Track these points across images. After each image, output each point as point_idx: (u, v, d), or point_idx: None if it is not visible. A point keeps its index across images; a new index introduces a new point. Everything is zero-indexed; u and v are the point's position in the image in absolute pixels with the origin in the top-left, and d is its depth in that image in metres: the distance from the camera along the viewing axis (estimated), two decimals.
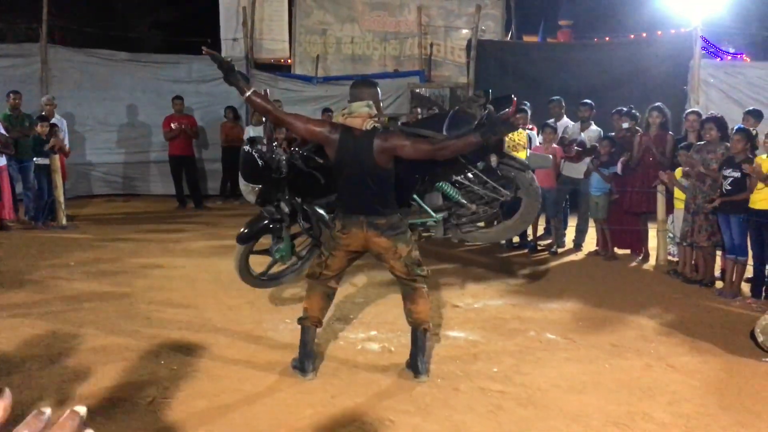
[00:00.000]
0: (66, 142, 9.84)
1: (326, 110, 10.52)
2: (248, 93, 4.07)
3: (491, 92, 4.96)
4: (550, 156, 6.64)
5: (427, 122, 5.74)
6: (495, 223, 5.54)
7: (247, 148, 4.77)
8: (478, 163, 4.98)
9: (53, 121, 9.61)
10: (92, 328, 4.87)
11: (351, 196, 4.05)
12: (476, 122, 4.63)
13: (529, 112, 8.83)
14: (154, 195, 12.58)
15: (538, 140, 8.63)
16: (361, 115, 3.94)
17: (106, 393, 3.77)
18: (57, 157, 9.07)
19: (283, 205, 4.85)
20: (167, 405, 3.65)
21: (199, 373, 4.13)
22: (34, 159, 9.07)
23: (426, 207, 5.11)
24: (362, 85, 4.19)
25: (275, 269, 5.43)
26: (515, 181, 5.18)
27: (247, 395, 3.83)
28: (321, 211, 4.81)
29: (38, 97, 10.71)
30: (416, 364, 4.14)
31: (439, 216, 5.12)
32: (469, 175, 5.07)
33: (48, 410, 0.73)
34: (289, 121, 4.06)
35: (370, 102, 4.01)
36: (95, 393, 3.77)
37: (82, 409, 0.75)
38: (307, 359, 4.15)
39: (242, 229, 4.98)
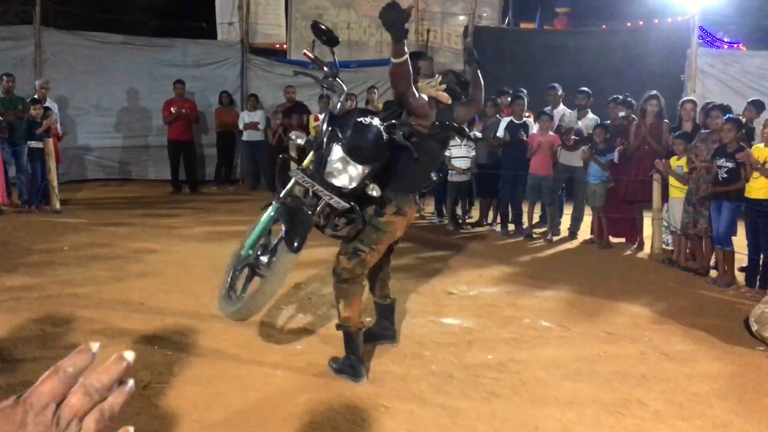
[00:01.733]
0: (58, 125, 9.77)
1: (322, 97, 10.37)
2: (406, 56, 3.51)
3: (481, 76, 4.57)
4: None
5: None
6: None
7: (376, 121, 3.69)
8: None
9: (46, 104, 9.54)
10: (86, 312, 4.85)
11: (419, 173, 3.90)
12: None
13: (526, 100, 8.81)
14: (149, 180, 12.54)
15: (535, 128, 8.62)
16: (439, 88, 3.95)
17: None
18: (50, 140, 9.02)
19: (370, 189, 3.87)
20: (161, 390, 3.64)
21: (193, 359, 4.12)
22: (28, 142, 9.01)
23: None
24: (420, 57, 4.12)
25: None
26: None
27: (241, 381, 3.83)
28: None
29: (32, 80, 10.62)
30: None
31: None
32: None
33: (97, 345, 0.70)
34: (413, 92, 3.69)
35: (436, 74, 4.06)
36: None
37: (129, 354, 0.71)
38: (360, 364, 3.91)
39: (300, 234, 3.73)
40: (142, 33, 14.65)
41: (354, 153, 3.61)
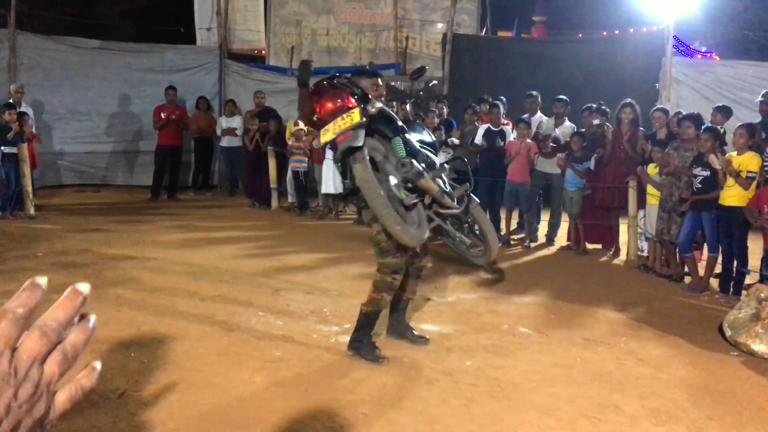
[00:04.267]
0: (33, 131, 9.66)
1: None
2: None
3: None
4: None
5: None
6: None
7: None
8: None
9: (21, 109, 9.42)
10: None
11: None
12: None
13: (503, 108, 8.87)
14: (125, 186, 12.42)
15: (512, 135, 8.68)
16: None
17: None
18: (25, 145, 8.90)
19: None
20: (138, 398, 3.60)
21: (170, 366, 4.08)
22: (1, 147, 8.89)
23: None
24: (356, 75, 4.39)
25: None
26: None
27: (219, 389, 3.80)
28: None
29: (6, 85, 10.49)
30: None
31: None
32: None
33: (44, 279, 0.62)
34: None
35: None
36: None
37: (84, 287, 0.65)
38: (389, 324, 4.72)
39: None
40: (120, 38, 14.55)
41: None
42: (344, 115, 3.95)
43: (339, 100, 4.10)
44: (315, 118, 4.24)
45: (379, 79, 4.41)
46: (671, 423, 3.60)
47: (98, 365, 0.69)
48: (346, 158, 4.03)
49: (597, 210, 8.00)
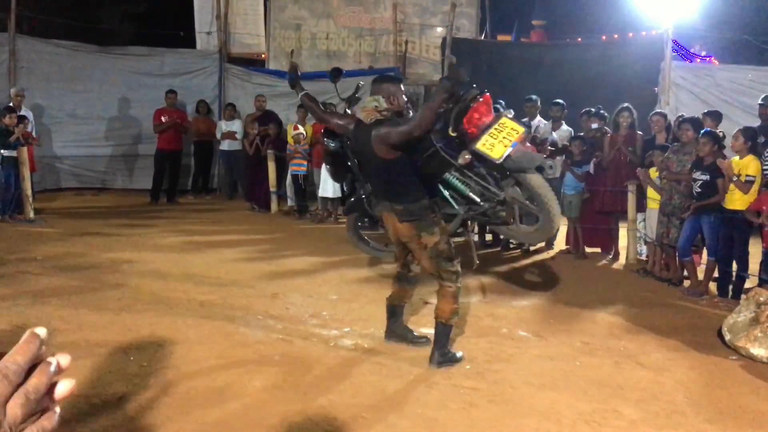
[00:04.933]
0: (33, 133, 9.67)
1: (300, 107, 10.22)
2: (300, 95, 4.71)
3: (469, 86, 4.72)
4: (539, 155, 5.61)
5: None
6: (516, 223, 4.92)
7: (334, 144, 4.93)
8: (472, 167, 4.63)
9: (21, 113, 9.43)
10: (60, 323, 4.78)
11: (372, 182, 4.54)
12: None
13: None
14: (125, 189, 12.42)
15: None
16: (366, 109, 4.20)
17: (74, 390, 3.70)
18: (25, 149, 8.90)
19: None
20: (136, 402, 3.60)
21: (169, 370, 4.08)
22: (1, 151, 8.89)
23: (449, 198, 4.62)
24: (380, 80, 4.50)
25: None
26: (527, 189, 4.56)
27: (218, 392, 3.80)
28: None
29: (6, 89, 10.49)
30: (430, 354, 4.36)
31: (461, 210, 4.65)
32: (456, 174, 4.61)
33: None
34: (328, 118, 4.66)
35: (379, 97, 4.22)
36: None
37: (41, 331, 0.68)
38: (387, 329, 4.76)
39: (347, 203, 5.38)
40: (120, 42, 14.55)
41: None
42: (501, 127, 4.22)
43: (489, 113, 4.38)
44: (454, 132, 4.40)
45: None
46: (670, 427, 3.60)
47: (57, 409, 0.71)
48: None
49: (596, 214, 8.00)
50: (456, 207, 4.60)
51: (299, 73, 4.86)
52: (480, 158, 4.34)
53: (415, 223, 4.20)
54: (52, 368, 0.68)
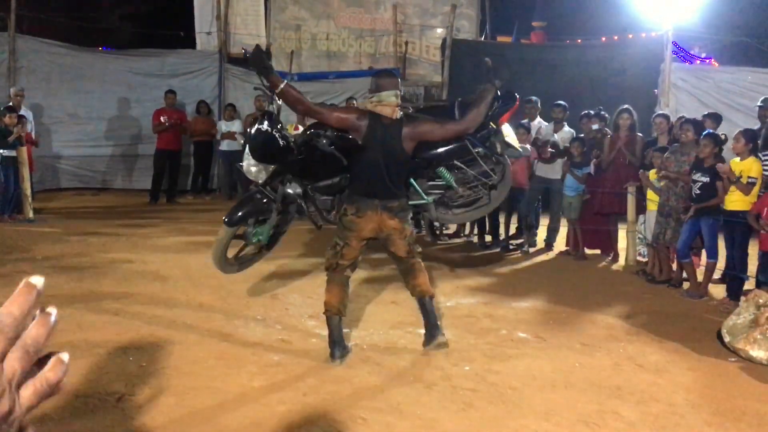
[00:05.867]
0: (33, 134, 9.67)
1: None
2: (282, 86, 4.17)
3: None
4: (527, 147, 6.57)
5: (432, 111, 5.79)
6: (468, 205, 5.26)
7: (265, 126, 4.45)
8: (479, 149, 4.88)
9: (20, 112, 9.43)
10: (59, 323, 4.73)
11: (370, 180, 4.26)
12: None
13: None
14: (124, 189, 12.41)
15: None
16: (390, 104, 4.19)
17: (73, 390, 3.70)
18: (24, 148, 8.90)
19: (287, 187, 4.67)
20: (135, 402, 3.60)
21: (168, 370, 4.08)
22: (1, 150, 8.89)
23: (419, 190, 4.82)
24: (387, 75, 4.48)
25: (247, 252, 5.18)
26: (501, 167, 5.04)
27: (217, 393, 3.79)
28: (323, 197, 4.70)
29: (6, 88, 10.49)
30: (431, 330, 4.50)
31: (431, 199, 4.87)
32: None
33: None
34: (317, 110, 4.29)
35: (397, 92, 4.25)
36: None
37: (38, 280, 0.63)
38: (334, 346, 4.32)
39: (234, 212, 4.64)
40: (120, 41, 14.57)
41: (252, 152, 4.50)
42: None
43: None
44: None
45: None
46: (669, 428, 3.60)
47: (65, 356, 0.67)
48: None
49: (596, 215, 8.00)
50: (425, 197, 4.85)
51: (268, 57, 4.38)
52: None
53: (404, 217, 4.36)
54: (53, 318, 0.65)
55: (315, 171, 4.59)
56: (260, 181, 4.56)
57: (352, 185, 4.42)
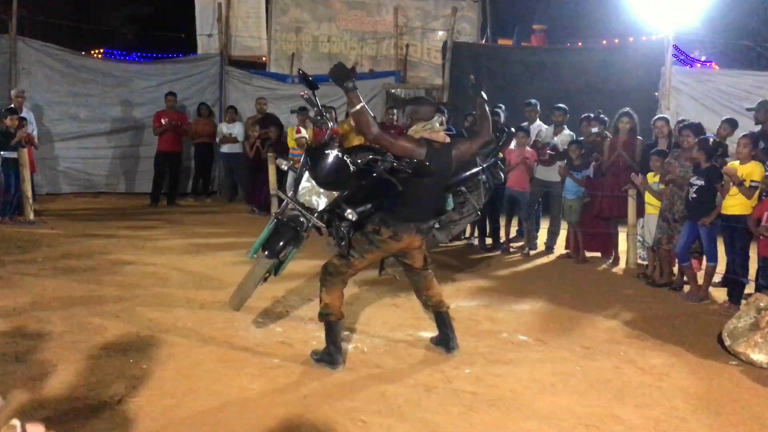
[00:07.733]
0: (34, 135, 9.68)
1: (302, 109, 10.08)
2: (359, 106, 3.97)
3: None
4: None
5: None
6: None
7: (336, 151, 4.33)
8: (484, 176, 5.16)
9: (22, 114, 9.44)
10: (60, 325, 4.78)
11: (417, 204, 4.27)
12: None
13: (503, 115, 8.89)
14: (125, 191, 12.42)
15: (512, 143, 8.68)
16: (440, 131, 4.26)
17: (73, 391, 3.71)
18: (25, 150, 8.91)
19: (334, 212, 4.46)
20: (136, 404, 3.59)
21: (168, 372, 4.08)
22: (1, 152, 8.89)
23: None
24: (427, 103, 4.62)
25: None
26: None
27: (217, 395, 3.79)
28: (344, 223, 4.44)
29: (7, 90, 10.50)
30: (448, 342, 4.63)
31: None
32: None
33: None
34: (385, 137, 4.09)
35: (440, 117, 4.35)
36: (62, 391, 3.71)
37: (16, 423, 0.66)
38: (338, 353, 4.30)
39: (274, 243, 4.41)
40: (122, 44, 14.59)
41: (323, 177, 4.33)
42: None
43: None
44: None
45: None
46: None
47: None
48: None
49: (596, 218, 8.00)
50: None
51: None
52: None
53: (427, 234, 4.53)
54: None
55: (362, 196, 4.44)
56: (320, 208, 4.37)
57: (391, 209, 4.28)
